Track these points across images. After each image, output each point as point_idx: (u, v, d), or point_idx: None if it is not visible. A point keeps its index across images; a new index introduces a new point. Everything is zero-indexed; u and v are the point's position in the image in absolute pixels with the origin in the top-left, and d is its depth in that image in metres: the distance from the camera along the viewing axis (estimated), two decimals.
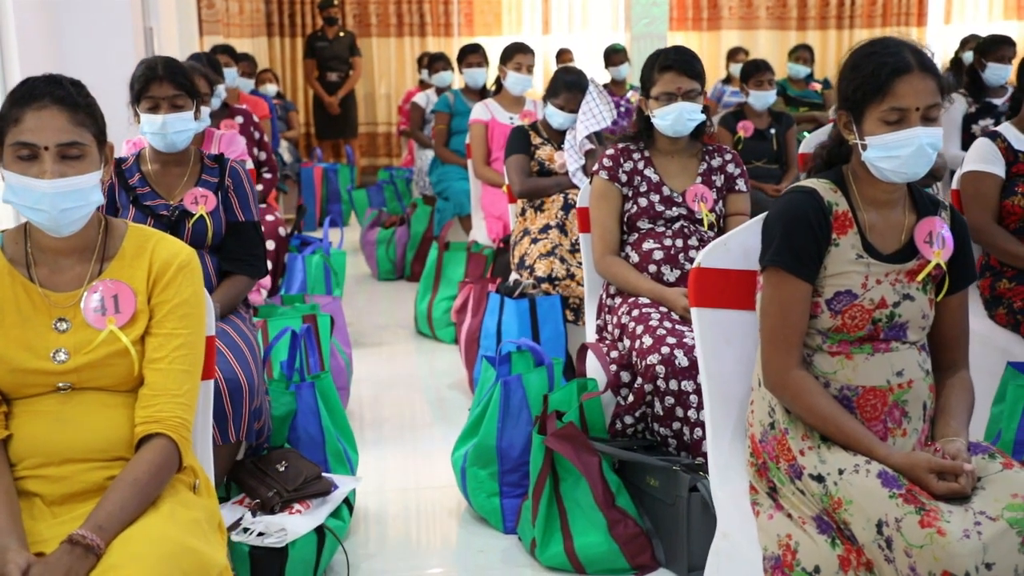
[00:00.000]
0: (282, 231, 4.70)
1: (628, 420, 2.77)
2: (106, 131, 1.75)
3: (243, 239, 2.82)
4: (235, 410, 2.46)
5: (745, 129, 5.43)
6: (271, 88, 8.36)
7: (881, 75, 1.83)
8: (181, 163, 2.84)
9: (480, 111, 5.22)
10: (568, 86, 4.23)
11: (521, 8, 10.14)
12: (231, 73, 5.83)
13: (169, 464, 1.65)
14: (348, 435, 2.98)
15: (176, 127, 2.74)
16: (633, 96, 7.43)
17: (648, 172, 3.05)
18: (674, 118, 2.98)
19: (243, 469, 2.60)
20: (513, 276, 4.04)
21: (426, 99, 7.45)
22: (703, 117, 3.04)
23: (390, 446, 3.58)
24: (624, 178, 3.05)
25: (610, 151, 3.09)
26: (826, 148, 2.02)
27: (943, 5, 10.20)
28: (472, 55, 6.46)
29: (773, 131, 5.45)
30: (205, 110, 3.65)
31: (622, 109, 7.12)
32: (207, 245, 2.77)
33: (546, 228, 4.08)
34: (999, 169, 3.16)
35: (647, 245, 3.00)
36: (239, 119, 4.86)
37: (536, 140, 4.30)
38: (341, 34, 9.17)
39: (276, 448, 2.70)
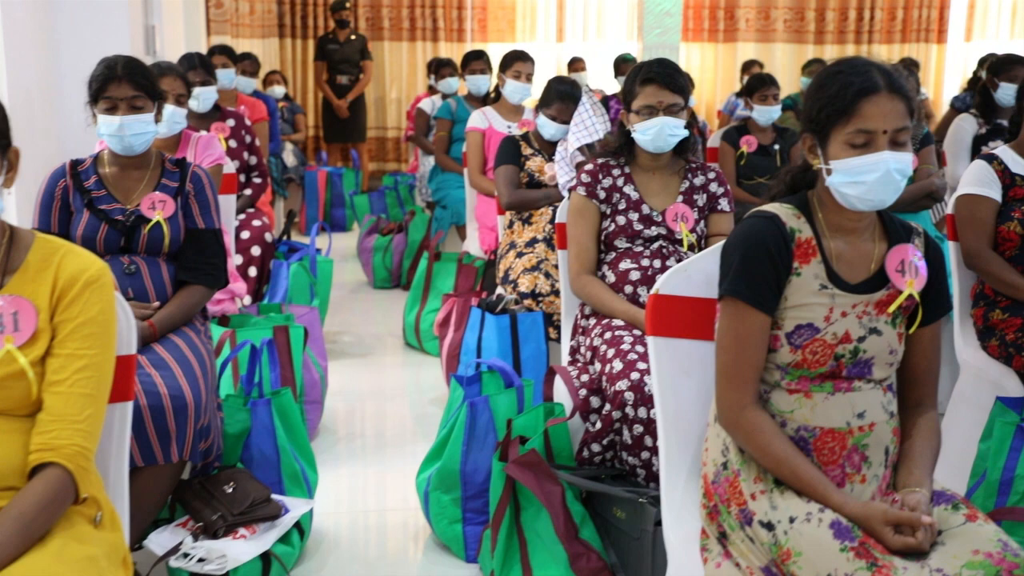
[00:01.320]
0: (269, 237, 4.61)
1: (596, 448, 2.65)
2: (10, 135, 1.65)
3: (202, 247, 2.73)
4: (179, 428, 2.35)
5: (749, 144, 5.29)
6: (279, 90, 8.30)
7: (847, 95, 1.72)
8: (140, 167, 2.75)
9: (477, 119, 5.12)
10: (560, 96, 4.12)
11: (535, 15, 10.05)
12: (228, 74, 5.76)
13: (61, 497, 1.54)
14: (307, 455, 2.87)
15: (134, 129, 2.64)
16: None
17: (628, 189, 2.94)
18: (655, 133, 2.87)
19: (189, 490, 2.50)
20: (499, 291, 3.93)
21: (431, 105, 7.36)
22: (686, 133, 2.92)
23: (361, 464, 3.47)
24: (603, 195, 2.94)
25: (589, 166, 2.98)
26: (791, 172, 1.90)
27: (964, 22, 10.03)
28: (475, 62, 6.36)
29: (777, 147, 5.31)
30: (178, 111, 3.56)
31: None
32: (163, 252, 2.68)
33: (533, 242, 3.97)
34: (995, 193, 3.03)
35: (624, 265, 2.88)
36: (230, 122, 4.78)
37: (527, 151, 4.20)
38: (352, 37, 9.09)
39: (227, 468, 2.60)
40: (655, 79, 2.88)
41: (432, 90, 8.58)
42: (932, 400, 1.88)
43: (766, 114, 5.28)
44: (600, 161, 2.99)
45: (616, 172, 2.96)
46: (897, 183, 1.73)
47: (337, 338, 5.08)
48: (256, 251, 4.50)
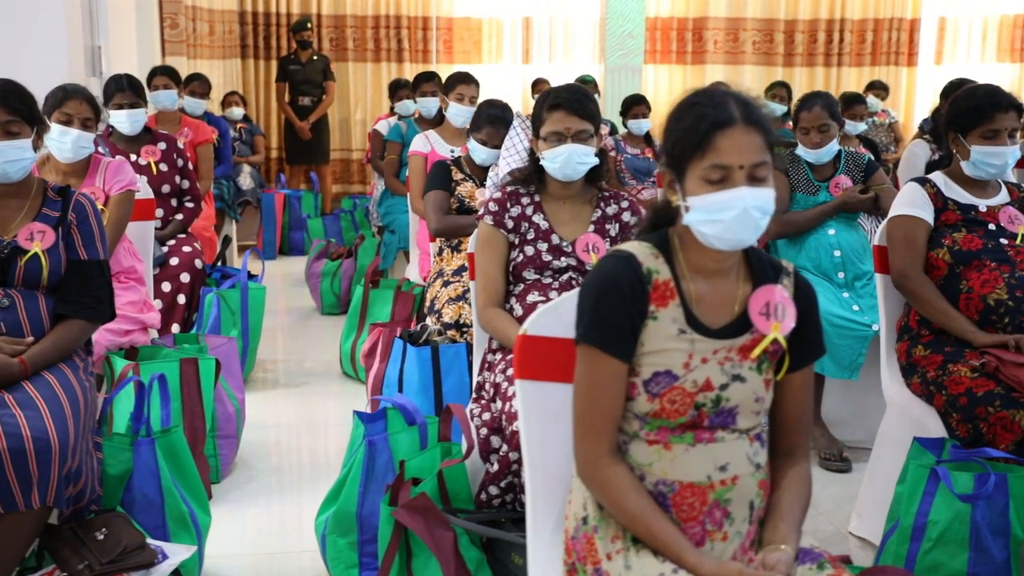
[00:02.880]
0: (199, 263, 4.48)
1: (494, 490, 2.53)
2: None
3: (84, 279, 2.60)
4: (42, 472, 2.22)
5: None
6: (237, 111, 8.18)
7: (700, 128, 1.61)
8: (20, 195, 2.62)
9: (420, 143, 5.01)
10: (491, 120, 4.02)
11: (502, 36, 9.96)
12: (170, 95, 5.64)
13: None
14: (199, 496, 2.73)
15: (8, 156, 2.52)
16: (603, 129, 7.22)
17: (537, 218, 2.83)
18: (563, 160, 2.76)
19: (59, 536, 2.37)
20: (427, 321, 3.81)
21: (387, 127, 7.25)
22: (596, 161, 2.81)
23: (271, 502, 3.34)
24: (511, 224, 2.83)
25: (497, 194, 2.87)
26: (654, 208, 1.78)
27: (934, 45, 9.98)
28: (426, 83, 6.28)
29: None
30: (84, 136, 3.43)
31: None
32: (42, 285, 2.55)
33: (461, 270, 3.85)
34: (928, 215, 2.93)
35: (531, 297, 2.76)
36: (161, 145, 4.66)
37: (458, 176, 4.09)
38: (315, 58, 9.00)
39: (105, 512, 2.46)
40: (562, 105, 2.78)
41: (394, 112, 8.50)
42: (804, 449, 1.77)
43: None
44: (509, 189, 2.88)
45: (525, 201, 2.85)
46: (756, 221, 1.61)
47: (274, 367, 4.95)
48: (185, 278, 4.37)
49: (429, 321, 3.74)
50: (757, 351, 1.67)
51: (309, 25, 8.99)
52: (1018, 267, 2.81)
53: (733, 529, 1.65)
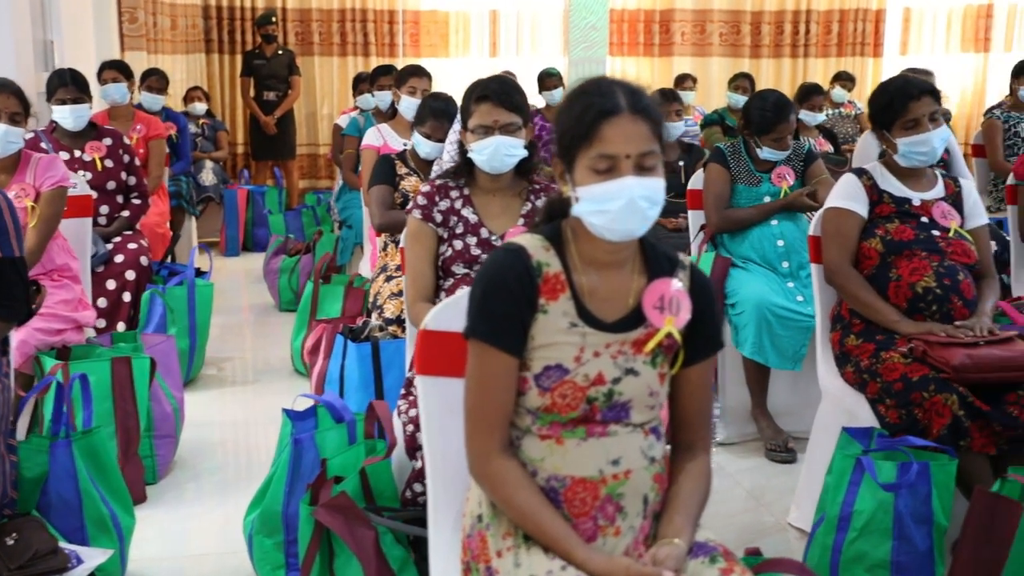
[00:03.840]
0: (145, 260, 4.43)
1: (419, 488, 2.49)
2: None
3: None
4: None
5: None
6: (200, 106, 8.10)
7: (586, 118, 1.58)
8: None
9: (373, 136, 4.97)
10: (434, 113, 3.98)
11: (469, 29, 9.91)
12: (120, 89, 5.56)
13: None
14: (121, 497, 2.69)
15: None
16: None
17: (466, 212, 2.80)
18: (490, 153, 2.73)
19: None
20: (373, 317, 3.77)
21: (348, 121, 7.21)
22: (524, 153, 2.78)
23: (206, 503, 3.29)
24: (439, 218, 2.79)
25: (425, 188, 2.84)
26: (550, 200, 1.76)
27: (899, 35, 10.00)
28: (383, 77, 6.23)
29: (682, 163, 5.19)
30: (12, 131, 3.38)
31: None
32: None
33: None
34: (862, 208, 2.92)
35: (461, 292, 2.72)
36: (107, 140, 4.60)
37: (402, 170, 4.05)
38: (280, 52, 8.93)
39: (19, 516, 2.42)
40: (490, 97, 2.74)
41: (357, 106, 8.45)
42: (704, 443, 1.74)
43: (669, 131, 5.15)
44: (438, 183, 2.84)
45: (455, 194, 2.82)
46: (644, 211, 1.59)
47: (226, 364, 4.90)
48: (131, 275, 4.33)
49: (373, 317, 3.71)
50: (651, 345, 1.65)
51: (274, 19, 8.92)
52: (948, 257, 2.81)
53: (626, 524, 1.62)
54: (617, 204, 1.57)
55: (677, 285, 1.68)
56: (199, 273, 4.67)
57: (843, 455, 2.47)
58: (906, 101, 2.84)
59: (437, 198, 2.80)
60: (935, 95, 2.86)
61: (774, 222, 3.89)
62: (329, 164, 9.98)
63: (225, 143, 8.41)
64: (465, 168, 2.83)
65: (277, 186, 8.38)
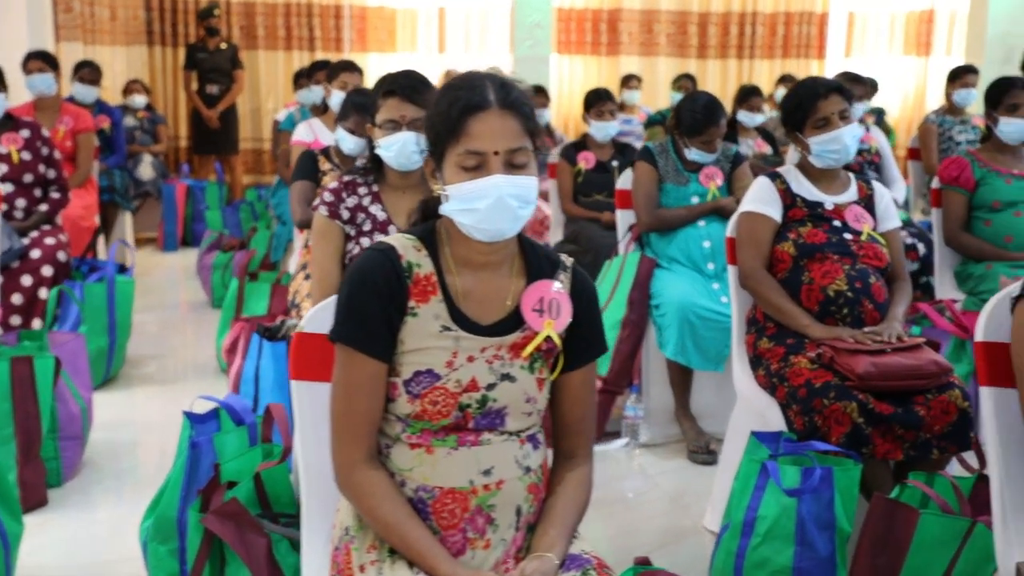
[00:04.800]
0: (63, 256, 4.32)
1: None
2: None
3: None
4: None
5: (586, 160, 5.14)
6: (139, 99, 7.95)
7: (453, 113, 1.53)
8: None
9: (303, 132, 4.89)
10: (357, 108, 3.89)
11: (416, 25, 9.83)
12: (46, 79, 5.41)
13: None
14: (9, 503, 2.57)
15: None
16: None
17: (374, 209, 2.74)
18: (398, 149, 2.67)
19: None
20: (292, 315, 3.70)
21: (285, 116, 7.11)
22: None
23: (108, 508, 3.18)
24: (347, 215, 2.73)
25: (333, 184, 2.77)
26: (426, 199, 1.70)
27: (844, 38, 10.07)
28: (320, 72, 6.13)
29: (616, 163, 5.16)
30: None
31: None
32: None
33: None
34: (776, 212, 2.90)
35: None
36: (24, 132, 4.47)
37: (325, 166, 3.97)
38: (223, 46, 8.80)
39: None
40: (397, 92, 2.69)
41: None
42: (586, 451, 1.70)
43: (603, 130, 5.13)
44: (346, 179, 2.78)
45: (363, 191, 2.76)
46: (514, 210, 1.54)
47: (150, 363, 4.79)
48: (48, 271, 4.22)
49: (292, 316, 3.63)
50: (528, 349, 1.60)
51: (216, 12, 8.79)
52: (860, 260, 2.79)
53: (497, 536, 1.57)
54: (486, 203, 1.52)
55: (557, 287, 1.63)
56: (122, 269, 4.56)
57: (749, 460, 2.45)
58: (815, 100, 2.83)
59: (345, 195, 2.74)
60: (844, 93, 2.85)
61: (701, 223, 3.88)
62: (274, 159, 9.86)
63: (165, 137, 8.26)
64: (374, 164, 2.76)
65: (218, 181, 8.25)
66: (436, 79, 9.60)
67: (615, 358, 3.76)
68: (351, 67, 4.94)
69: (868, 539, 2.18)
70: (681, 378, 3.74)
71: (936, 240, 4.04)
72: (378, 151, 2.71)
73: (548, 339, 1.60)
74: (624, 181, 4.14)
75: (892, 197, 4.85)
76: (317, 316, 1.77)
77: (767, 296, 2.81)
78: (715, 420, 3.79)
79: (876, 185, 2.99)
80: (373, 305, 1.55)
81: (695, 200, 3.92)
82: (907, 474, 2.38)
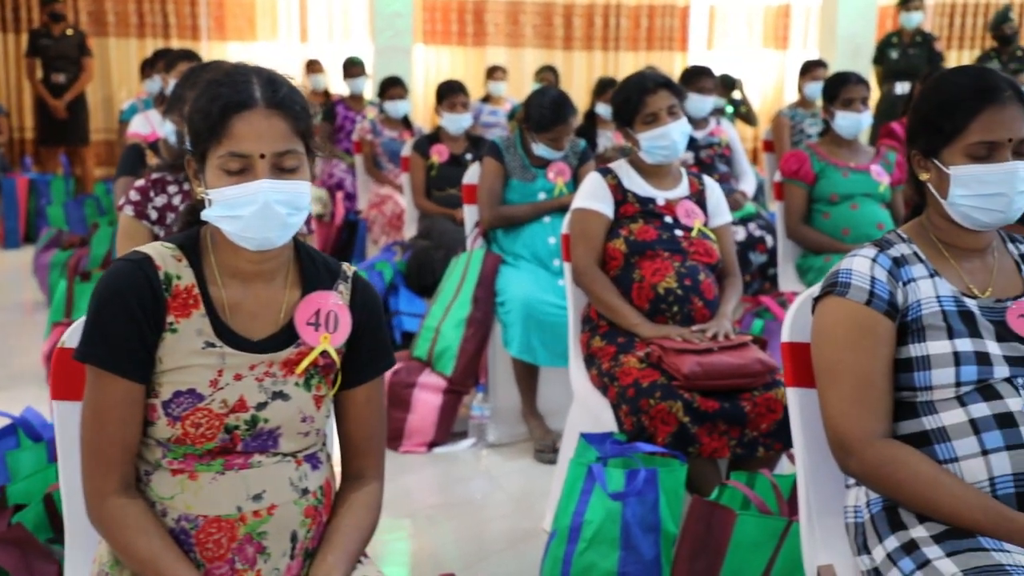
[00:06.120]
0: None
1: None
2: None
3: None
4: None
5: (439, 154, 5.05)
6: None
7: (214, 111, 1.41)
8: None
9: (139, 123, 4.68)
10: (186, 101, 3.71)
11: (276, 14, 9.56)
12: None
13: None
14: None
15: None
16: (371, 112, 6.98)
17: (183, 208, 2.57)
18: None
19: None
20: None
21: (129, 106, 6.80)
22: None
23: None
24: (155, 215, 2.57)
25: (140, 182, 2.61)
26: (190, 206, 1.58)
27: (705, 32, 10.24)
28: (162, 62, 5.86)
29: (470, 156, 5.08)
30: None
31: (358, 126, 6.64)
32: None
33: None
34: (607, 208, 2.86)
35: None
36: None
37: (153, 160, 3.76)
38: (69, 32, 8.35)
39: None
40: None
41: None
42: (375, 471, 1.60)
43: (456, 123, 5.04)
44: (155, 176, 2.62)
45: (173, 189, 2.60)
46: (283, 218, 1.43)
47: None
48: None
49: None
50: (303, 365, 1.49)
51: None
52: (690, 257, 2.78)
53: (269, 566, 1.46)
54: (250, 209, 1.41)
55: (335, 299, 1.52)
56: None
57: (576, 463, 2.40)
58: (643, 95, 2.80)
59: (152, 193, 2.58)
60: (672, 88, 2.83)
61: (547, 219, 3.82)
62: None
63: (6, 128, 7.82)
64: (184, 161, 2.60)
65: (65, 174, 7.84)
66: (299, 70, 9.36)
67: (460, 357, 3.68)
68: (190, 56, 4.72)
69: (687, 541, 2.15)
70: (527, 376, 3.68)
71: (779, 233, 4.09)
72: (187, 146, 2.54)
73: (325, 354, 1.50)
74: (471, 176, 4.06)
75: (741, 190, 4.99)
76: (80, 330, 1.62)
77: (599, 294, 2.77)
78: (563, 418, 3.70)
79: (707, 180, 2.98)
80: (123, 321, 1.41)
81: (542, 196, 3.87)
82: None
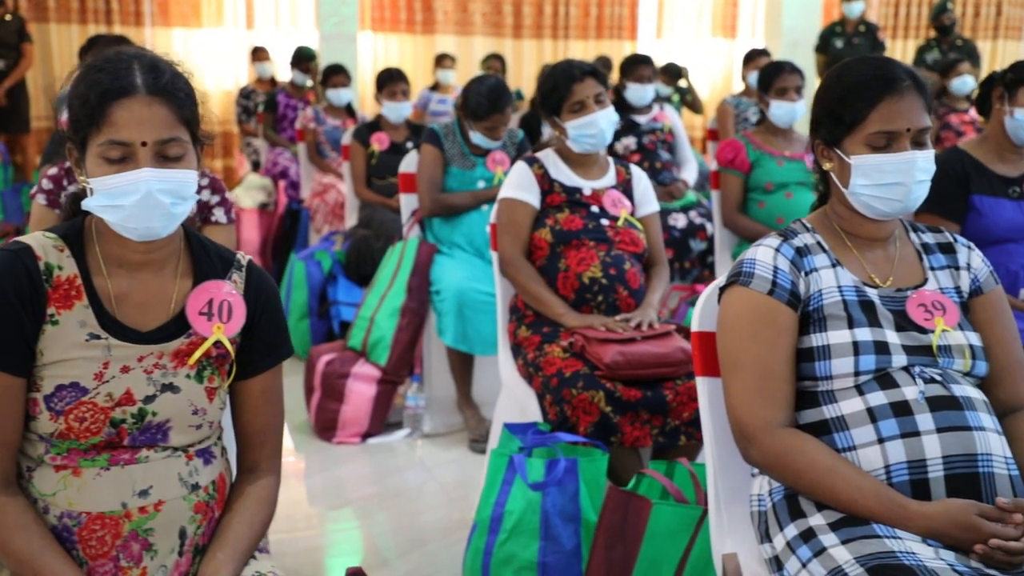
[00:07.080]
0: None
1: None
2: None
3: None
4: None
5: (380, 142, 5.01)
6: None
7: (92, 98, 1.38)
8: None
9: None
10: None
11: (222, 1, 9.41)
12: None
13: None
14: None
15: None
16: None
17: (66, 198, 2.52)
18: None
19: None
20: None
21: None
22: None
23: None
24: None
25: (52, 170, 2.55)
26: (75, 192, 1.54)
27: (655, 20, 10.25)
28: (96, 47, 5.75)
29: (411, 144, 5.04)
30: None
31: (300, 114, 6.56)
32: None
33: None
34: (534, 198, 2.85)
35: None
36: None
37: None
38: (7, 17, 8.16)
39: None
40: None
41: None
42: (270, 464, 1.58)
43: (396, 111, 5.00)
44: (67, 164, 2.56)
45: None
46: (167, 207, 1.40)
47: None
48: None
49: None
50: (195, 356, 1.46)
51: None
52: (616, 246, 2.78)
53: (155, 563, 1.43)
54: (132, 199, 1.38)
55: (229, 288, 1.50)
56: None
57: (497, 454, 2.39)
58: (570, 83, 2.79)
59: (66, 182, 2.53)
60: (599, 77, 2.82)
61: (485, 208, 3.81)
62: None
63: None
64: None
65: (4, 162, 7.68)
66: (245, 58, 9.24)
67: (395, 347, 3.66)
68: (122, 42, 4.63)
69: (603, 531, 2.15)
70: (462, 366, 3.67)
71: (716, 221, 4.10)
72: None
73: (219, 345, 1.47)
74: (408, 164, 4.03)
75: (683, 179, 5.00)
76: None
77: (524, 284, 2.76)
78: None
79: (634, 169, 2.97)
80: (2, 314, 1.37)
81: (481, 184, 3.85)
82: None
